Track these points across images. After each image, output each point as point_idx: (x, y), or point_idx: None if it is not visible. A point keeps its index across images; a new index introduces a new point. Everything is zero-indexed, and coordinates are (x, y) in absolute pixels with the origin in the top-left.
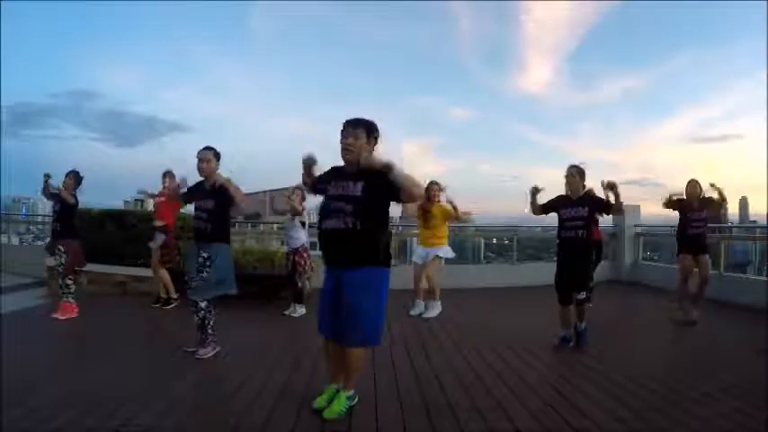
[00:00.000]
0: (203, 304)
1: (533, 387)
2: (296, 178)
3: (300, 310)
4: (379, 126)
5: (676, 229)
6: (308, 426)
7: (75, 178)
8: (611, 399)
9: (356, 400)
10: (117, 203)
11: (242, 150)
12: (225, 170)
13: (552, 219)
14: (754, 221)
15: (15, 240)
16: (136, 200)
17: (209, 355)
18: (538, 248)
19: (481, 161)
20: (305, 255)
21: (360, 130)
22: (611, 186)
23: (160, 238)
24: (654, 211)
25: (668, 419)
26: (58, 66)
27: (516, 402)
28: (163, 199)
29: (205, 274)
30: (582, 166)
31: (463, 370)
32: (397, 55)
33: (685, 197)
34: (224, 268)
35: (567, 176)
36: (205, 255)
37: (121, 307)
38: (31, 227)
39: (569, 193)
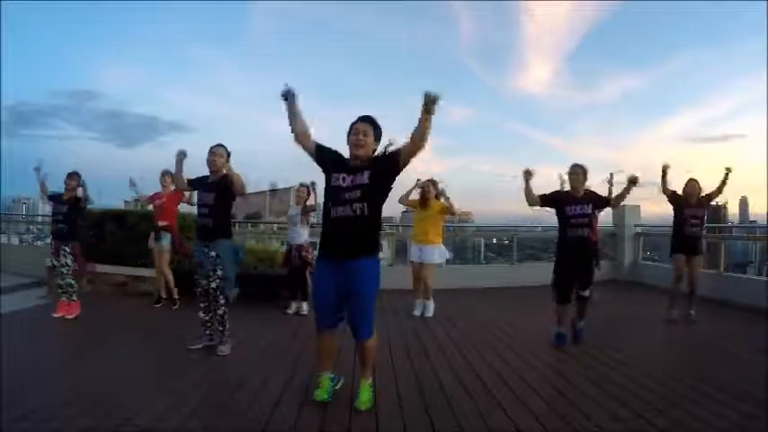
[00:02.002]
0: (223, 301)
1: (533, 387)
2: (295, 178)
3: (306, 307)
4: (381, 126)
5: (672, 226)
6: (309, 423)
7: (77, 179)
8: (611, 399)
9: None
10: (117, 203)
11: (241, 150)
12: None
13: (553, 219)
14: (754, 221)
15: (15, 240)
16: (136, 200)
17: (229, 351)
18: (538, 248)
19: (481, 161)
20: (310, 250)
21: (370, 127)
22: (633, 181)
23: (167, 239)
24: (654, 211)
25: (668, 419)
26: (58, 66)
27: (516, 402)
28: (164, 200)
29: (220, 272)
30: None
31: (463, 370)
32: (397, 55)
33: (683, 192)
34: (230, 267)
35: (571, 175)
36: (213, 253)
37: (122, 307)
38: (31, 227)
39: (574, 192)
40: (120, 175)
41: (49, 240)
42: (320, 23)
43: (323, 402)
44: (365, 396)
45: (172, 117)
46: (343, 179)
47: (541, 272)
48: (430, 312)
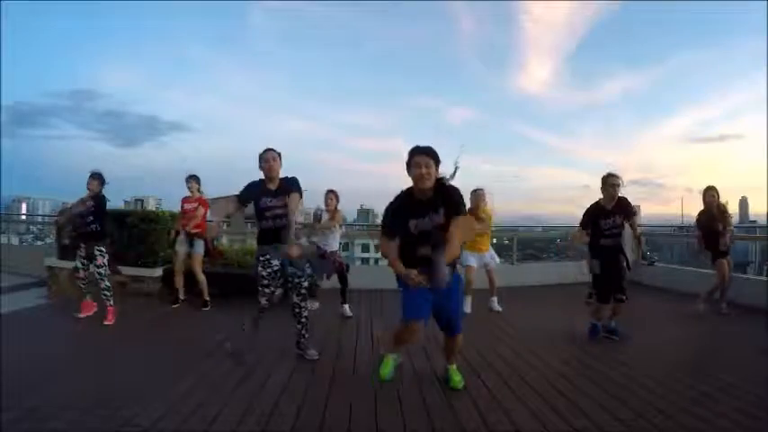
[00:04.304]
0: (307, 304)
1: (533, 387)
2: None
3: (348, 309)
4: (380, 126)
5: (703, 235)
6: (309, 423)
7: (100, 179)
8: (611, 399)
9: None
10: (117, 203)
11: (241, 150)
12: (224, 170)
13: (554, 219)
14: (754, 221)
15: (15, 240)
16: (136, 200)
17: (317, 354)
18: (538, 248)
19: (481, 161)
20: (340, 256)
21: (432, 160)
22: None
23: (200, 244)
24: (654, 211)
25: (668, 419)
26: (58, 66)
27: (517, 402)
28: (195, 204)
29: (309, 272)
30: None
31: (463, 370)
32: (397, 55)
33: (703, 206)
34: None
35: (616, 186)
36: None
37: (126, 307)
38: (31, 227)
39: (604, 201)
40: (120, 175)
41: (49, 241)
42: (320, 23)
43: (384, 380)
44: (458, 377)
45: (172, 117)
46: (416, 225)
47: (541, 272)
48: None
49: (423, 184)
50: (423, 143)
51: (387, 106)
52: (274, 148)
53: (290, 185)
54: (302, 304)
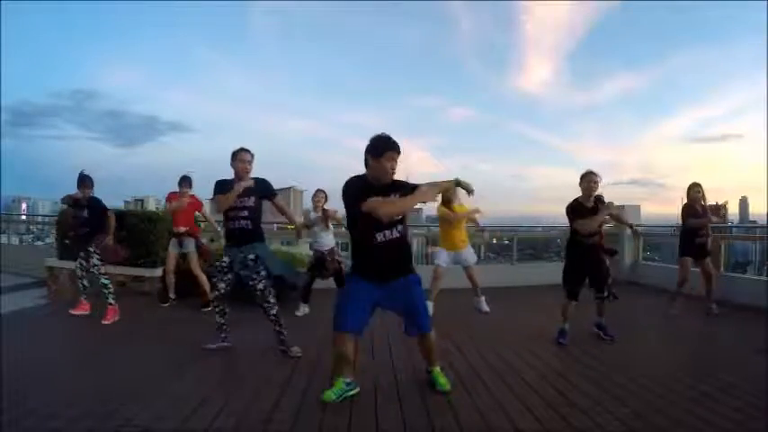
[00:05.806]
0: (273, 300)
1: (533, 387)
2: (294, 178)
3: None
4: (379, 126)
5: (680, 231)
6: (309, 423)
7: (90, 183)
8: (611, 399)
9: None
10: (117, 203)
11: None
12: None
13: (551, 219)
14: (754, 221)
15: (15, 240)
16: (136, 200)
17: (300, 351)
18: (538, 248)
19: (481, 161)
20: (340, 255)
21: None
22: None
23: (192, 243)
24: (654, 211)
25: (668, 419)
26: (58, 65)
27: (516, 402)
28: (185, 206)
29: (264, 272)
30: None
31: (464, 370)
32: (397, 55)
33: (687, 200)
34: (276, 265)
35: (593, 184)
36: (252, 256)
37: (125, 306)
38: (31, 227)
39: (584, 199)
40: (120, 175)
41: (49, 241)
42: (320, 23)
43: (326, 403)
44: (443, 379)
45: (172, 117)
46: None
47: (541, 272)
48: (486, 306)
49: (389, 178)
50: (423, 142)
51: (387, 106)
52: (249, 149)
53: (267, 189)
54: (265, 305)
